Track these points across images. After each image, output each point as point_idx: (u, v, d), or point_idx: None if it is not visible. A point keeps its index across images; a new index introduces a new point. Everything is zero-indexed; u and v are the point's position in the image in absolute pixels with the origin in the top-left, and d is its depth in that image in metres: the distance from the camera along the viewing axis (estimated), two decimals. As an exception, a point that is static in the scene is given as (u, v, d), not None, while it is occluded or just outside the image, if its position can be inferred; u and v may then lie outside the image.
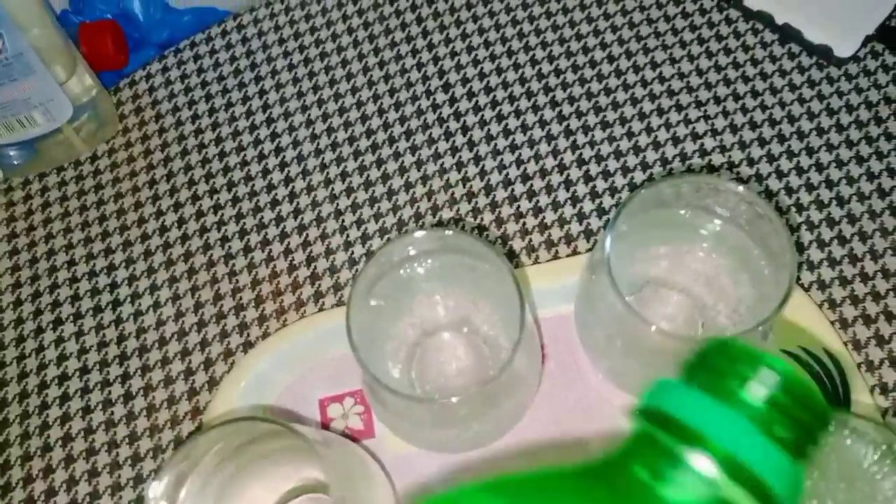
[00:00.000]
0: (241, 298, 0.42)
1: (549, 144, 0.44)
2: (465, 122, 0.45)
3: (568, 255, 0.41)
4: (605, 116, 0.44)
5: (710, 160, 0.42)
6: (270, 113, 0.46)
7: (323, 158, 0.45)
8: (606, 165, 0.43)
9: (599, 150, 0.43)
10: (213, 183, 0.45)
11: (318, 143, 0.45)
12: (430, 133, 0.45)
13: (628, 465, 0.16)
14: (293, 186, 0.44)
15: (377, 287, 0.30)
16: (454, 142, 0.44)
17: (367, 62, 0.47)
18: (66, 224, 0.45)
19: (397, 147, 0.45)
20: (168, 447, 0.39)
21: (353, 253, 0.42)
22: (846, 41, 0.43)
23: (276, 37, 0.49)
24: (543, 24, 0.47)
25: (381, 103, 0.46)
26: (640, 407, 0.16)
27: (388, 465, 0.36)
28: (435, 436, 0.33)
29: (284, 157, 0.45)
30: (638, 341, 0.30)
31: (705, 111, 0.43)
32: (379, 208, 0.43)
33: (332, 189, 0.44)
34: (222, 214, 0.44)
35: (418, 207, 0.43)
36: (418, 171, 0.44)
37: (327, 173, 0.44)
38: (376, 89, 0.46)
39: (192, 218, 0.44)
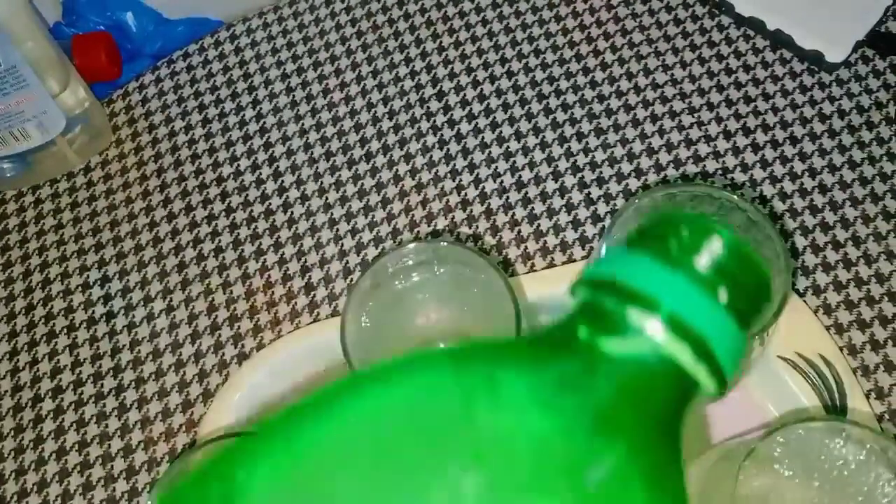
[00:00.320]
0: (235, 309, 0.42)
1: (543, 152, 0.44)
2: (459, 130, 0.45)
3: (564, 263, 0.41)
4: (598, 123, 0.44)
5: (705, 166, 0.42)
6: (264, 123, 0.46)
7: (317, 168, 0.45)
8: (601, 172, 0.43)
9: (594, 157, 0.43)
10: (207, 193, 0.45)
11: (311, 153, 0.45)
12: (425, 141, 0.45)
13: (572, 328, 0.15)
14: (287, 196, 0.44)
15: (371, 299, 0.30)
16: (448, 150, 0.44)
17: (360, 71, 0.47)
18: (60, 236, 0.45)
19: (391, 156, 0.45)
20: (163, 460, 0.39)
21: (347, 263, 0.42)
22: (837, 47, 0.43)
23: (269, 46, 0.49)
24: (536, 31, 0.47)
25: (375, 112, 0.46)
26: (583, 276, 0.16)
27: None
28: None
29: (278, 166, 0.45)
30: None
31: (698, 117, 0.44)
32: (373, 217, 0.43)
33: (327, 198, 0.44)
34: (216, 225, 0.44)
35: (413, 216, 0.43)
36: (413, 179, 0.44)
37: (321, 183, 0.44)
38: (370, 98, 0.46)
39: (186, 229, 0.44)
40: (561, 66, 0.46)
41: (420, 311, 0.34)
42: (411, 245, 0.29)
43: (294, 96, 0.47)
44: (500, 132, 0.44)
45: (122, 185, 0.46)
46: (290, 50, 0.48)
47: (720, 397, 0.16)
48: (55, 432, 0.40)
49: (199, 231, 0.44)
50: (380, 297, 0.31)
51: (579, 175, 0.43)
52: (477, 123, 0.45)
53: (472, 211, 0.43)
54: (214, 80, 0.48)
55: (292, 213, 0.44)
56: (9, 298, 0.44)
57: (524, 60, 0.46)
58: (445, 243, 0.29)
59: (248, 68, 0.48)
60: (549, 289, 0.38)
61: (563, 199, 0.42)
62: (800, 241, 0.40)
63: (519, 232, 0.42)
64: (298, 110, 0.46)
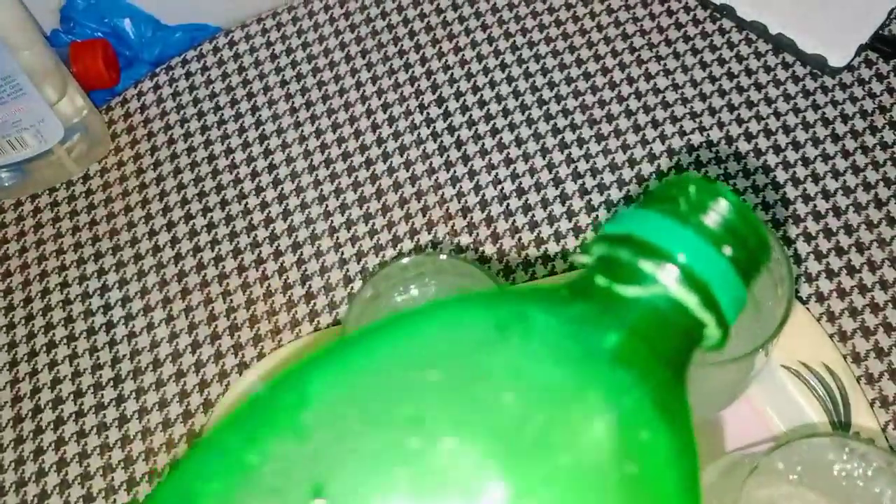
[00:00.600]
0: (235, 318, 0.42)
1: (543, 158, 0.43)
2: (458, 136, 0.44)
3: (565, 270, 0.40)
4: (599, 129, 0.44)
5: (707, 171, 0.42)
6: (263, 130, 0.46)
7: (316, 175, 0.45)
8: (602, 178, 0.43)
9: (595, 162, 0.43)
10: (207, 202, 0.45)
11: (311, 160, 0.45)
12: (424, 148, 0.44)
13: (590, 278, 0.17)
14: (287, 204, 0.44)
15: (371, 311, 0.30)
16: (448, 157, 0.44)
17: (359, 77, 0.47)
18: (59, 245, 0.45)
19: (391, 163, 0.44)
20: (164, 471, 0.39)
21: (347, 271, 0.42)
22: (840, 50, 0.43)
23: (267, 53, 0.48)
24: (536, 36, 0.47)
25: (375, 118, 0.46)
26: (599, 234, 0.17)
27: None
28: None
29: (278, 174, 0.45)
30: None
31: (700, 122, 0.43)
32: (374, 225, 0.43)
33: (326, 206, 0.44)
34: (216, 234, 0.44)
35: (413, 224, 0.43)
36: (413, 186, 0.44)
37: (321, 190, 0.44)
38: (369, 104, 0.46)
39: (186, 237, 0.44)
40: (561, 71, 0.45)
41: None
42: (411, 258, 0.29)
43: (293, 103, 0.47)
44: (500, 138, 0.44)
45: (122, 193, 0.46)
46: (289, 56, 0.48)
47: (721, 346, 0.17)
48: (55, 443, 0.40)
49: (198, 240, 0.44)
50: (379, 310, 0.31)
51: (580, 181, 0.43)
52: (477, 129, 0.45)
53: (472, 218, 0.42)
54: (213, 87, 0.48)
55: (292, 220, 0.44)
56: (8, 308, 0.43)
57: (524, 65, 0.46)
58: (444, 256, 0.29)
59: (246, 75, 0.48)
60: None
61: (563, 205, 0.42)
62: (802, 248, 0.40)
63: (520, 239, 0.42)
64: (298, 117, 0.46)
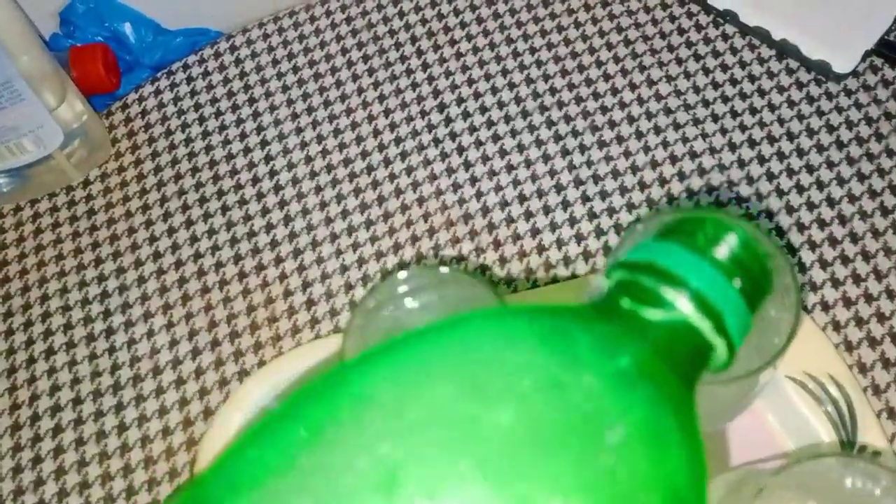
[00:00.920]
0: (235, 325, 0.41)
1: (545, 164, 0.43)
2: (460, 142, 0.44)
3: (566, 279, 0.40)
4: (601, 135, 0.43)
5: (709, 179, 0.42)
6: (265, 135, 0.46)
7: (318, 181, 0.44)
8: (604, 185, 0.42)
9: (596, 169, 0.43)
10: (207, 207, 0.44)
11: (312, 166, 0.45)
12: (426, 154, 0.44)
13: (615, 300, 0.19)
14: (288, 210, 0.44)
15: (373, 324, 0.30)
16: (450, 163, 0.44)
17: (361, 83, 0.47)
18: (59, 251, 0.44)
19: (393, 169, 0.44)
20: (163, 479, 0.39)
21: (348, 277, 0.42)
22: (845, 56, 0.42)
23: (269, 58, 0.48)
24: (538, 42, 0.46)
25: (376, 124, 0.45)
26: (622, 260, 0.19)
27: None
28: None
29: (279, 179, 0.45)
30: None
31: (703, 129, 0.43)
32: (375, 231, 0.43)
33: (328, 212, 0.43)
34: (216, 240, 0.44)
35: (414, 230, 0.42)
36: (414, 192, 0.43)
37: (322, 196, 0.44)
38: (371, 110, 0.46)
39: (187, 243, 0.44)
40: (563, 77, 0.45)
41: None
42: (413, 269, 0.29)
43: (295, 108, 0.46)
44: (502, 144, 0.44)
45: (122, 198, 0.45)
46: (291, 61, 0.48)
47: (727, 367, 0.19)
48: (54, 451, 0.40)
49: (199, 246, 0.44)
50: (380, 322, 0.30)
51: (582, 188, 0.42)
52: (478, 135, 0.44)
53: (473, 225, 0.42)
54: (214, 92, 0.47)
55: (293, 227, 0.43)
56: (7, 315, 0.43)
57: (526, 71, 0.46)
58: (446, 269, 0.29)
59: (248, 80, 0.48)
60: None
61: (565, 212, 0.42)
62: (807, 256, 0.39)
63: (521, 246, 0.41)
64: (299, 122, 0.46)
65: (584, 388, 0.16)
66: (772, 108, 0.43)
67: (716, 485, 0.28)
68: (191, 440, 0.39)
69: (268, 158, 0.45)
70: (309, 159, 0.45)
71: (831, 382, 0.33)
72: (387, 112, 0.46)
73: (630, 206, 0.42)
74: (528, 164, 0.43)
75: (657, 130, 0.43)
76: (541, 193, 0.42)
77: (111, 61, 0.49)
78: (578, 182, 0.42)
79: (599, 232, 0.41)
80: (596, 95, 0.44)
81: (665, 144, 0.43)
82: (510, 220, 0.42)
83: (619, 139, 0.43)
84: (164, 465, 0.39)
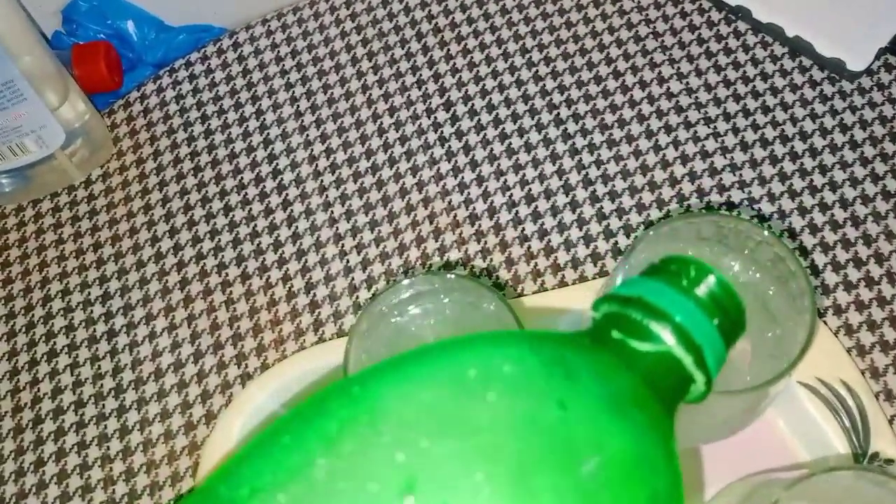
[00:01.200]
0: (238, 328, 0.41)
1: (553, 164, 0.42)
2: (467, 141, 0.44)
3: (575, 282, 0.40)
4: (611, 134, 0.43)
5: (721, 180, 0.41)
6: (268, 133, 0.45)
7: (322, 181, 0.44)
8: (613, 186, 0.42)
9: (606, 169, 0.42)
10: (210, 207, 0.44)
11: (316, 165, 0.44)
12: (432, 153, 0.44)
13: (607, 331, 0.20)
14: (291, 209, 0.43)
15: (376, 330, 0.29)
16: (456, 162, 0.43)
17: (365, 80, 0.46)
18: (61, 251, 0.44)
19: (398, 168, 0.43)
20: (165, 483, 0.38)
21: (353, 279, 0.41)
22: (859, 54, 0.42)
23: (272, 55, 0.47)
24: (546, 38, 0.46)
25: (381, 122, 0.45)
26: (611, 293, 0.21)
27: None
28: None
29: (282, 179, 0.44)
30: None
31: (714, 128, 0.42)
32: (379, 232, 0.42)
33: (332, 213, 0.43)
34: (219, 240, 0.43)
35: (420, 231, 0.42)
36: (420, 193, 0.43)
37: (326, 196, 0.43)
38: (376, 108, 0.45)
39: (189, 244, 0.43)
40: (572, 75, 0.44)
41: (425, 342, 0.33)
42: (419, 275, 0.28)
43: (298, 106, 0.46)
44: (510, 143, 0.43)
45: (124, 198, 0.45)
46: (295, 58, 0.47)
47: (703, 398, 0.20)
48: (56, 455, 0.39)
49: (201, 246, 0.43)
50: (384, 329, 0.30)
51: (591, 188, 0.42)
52: (485, 134, 0.44)
53: (480, 226, 0.41)
54: (217, 90, 0.47)
55: (297, 227, 0.43)
56: (9, 316, 0.43)
57: (534, 69, 0.45)
58: (453, 275, 0.28)
59: (251, 77, 0.47)
60: (560, 310, 0.37)
61: (574, 213, 0.41)
62: (819, 259, 0.39)
63: (529, 248, 0.41)
64: (303, 120, 0.45)
65: (584, 409, 0.18)
66: (784, 106, 0.42)
67: (727, 496, 0.27)
68: (193, 444, 0.39)
69: (271, 157, 0.45)
70: (313, 158, 0.44)
71: (844, 388, 0.33)
72: (392, 110, 0.45)
73: (640, 208, 0.41)
74: (536, 163, 0.43)
75: (668, 129, 0.42)
76: (549, 194, 0.42)
77: (114, 59, 0.48)
78: (587, 182, 0.42)
79: (609, 234, 0.41)
80: (605, 93, 0.44)
81: (676, 144, 0.42)
82: (518, 222, 0.41)
83: (629, 138, 0.42)
84: (167, 469, 0.38)
